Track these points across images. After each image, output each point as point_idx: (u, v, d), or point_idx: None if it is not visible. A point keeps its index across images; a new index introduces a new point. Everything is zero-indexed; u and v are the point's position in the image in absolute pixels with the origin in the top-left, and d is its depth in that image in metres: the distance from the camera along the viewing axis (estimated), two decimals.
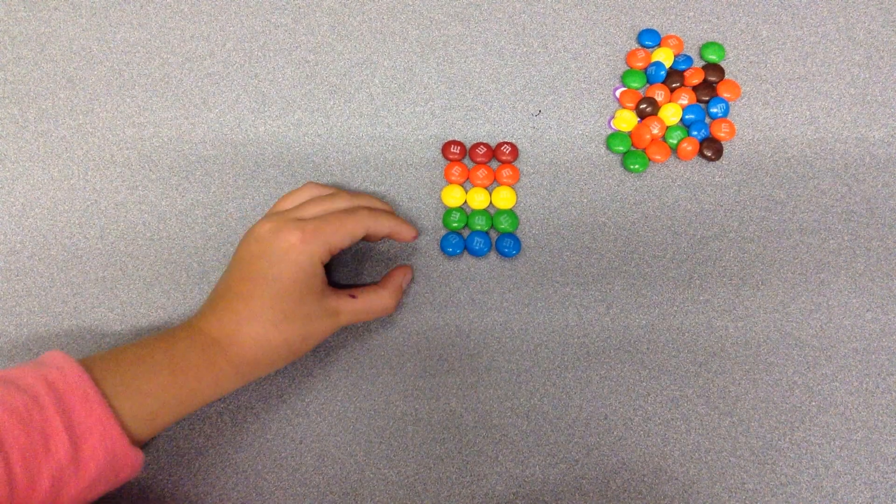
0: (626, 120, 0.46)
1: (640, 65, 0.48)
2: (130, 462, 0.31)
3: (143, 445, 0.33)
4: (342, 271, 0.43)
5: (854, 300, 0.43)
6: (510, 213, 0.44)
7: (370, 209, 0.38)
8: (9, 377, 0.30)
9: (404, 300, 0.42)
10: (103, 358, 0.32)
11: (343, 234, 0.36)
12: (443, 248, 0.43)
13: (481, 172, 0.44)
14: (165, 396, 0.32)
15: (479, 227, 0.43)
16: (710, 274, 0.43)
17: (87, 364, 0.31)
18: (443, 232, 0.44)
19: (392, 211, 0.41)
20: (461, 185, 0.45)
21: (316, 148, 0.46)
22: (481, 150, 0.45)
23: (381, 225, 0.38)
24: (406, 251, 0.43)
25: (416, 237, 0.40)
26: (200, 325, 0.35)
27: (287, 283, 0.34)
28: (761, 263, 0.43)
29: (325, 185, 0.40)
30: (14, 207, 0.44)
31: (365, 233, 0.37)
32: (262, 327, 0.34)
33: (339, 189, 0.40)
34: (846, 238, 0.44)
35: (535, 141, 0.46)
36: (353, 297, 0.38)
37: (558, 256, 0.43)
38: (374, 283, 0.41)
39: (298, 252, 0.35)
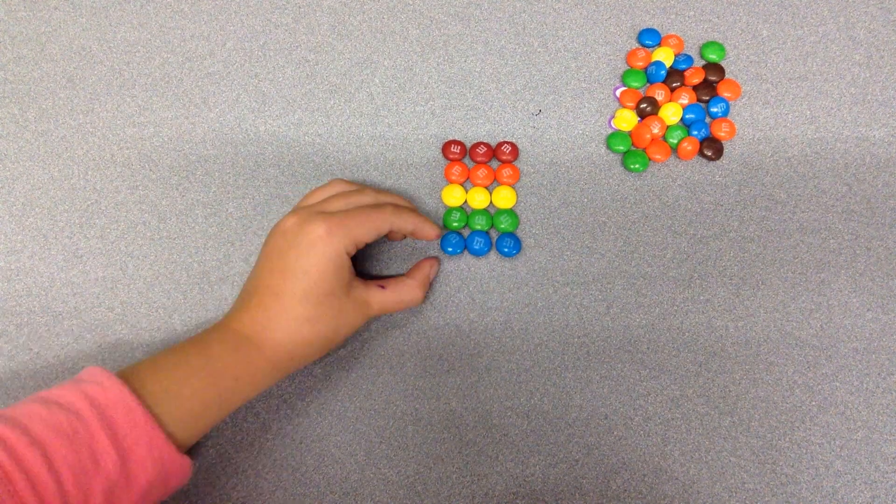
0: (627, 119, 0.46)
1: (641, 64, 0.48)
2: (179, 468, 0.31)
3: (189, 451, 0.33)
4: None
5: (854, 300, 0.43)
6: (510, 212, 0.44)
7: (395, 206, 0.38)
8: (49, 397, 0.29)
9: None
10: (139, 368, 0.32)
11: (368, 227, 0.36)
12: (443, 248, 0.43)
13: (481, 172, 0.44)
14: (205, 398, 0.32)
15: (479, 227, 0.43)
16: (711, 274, 0.43)
17: (125, 375, 0.31)
18: (442, 231, 0.44)
19: (416, 209, 0.41)
20: (461, 184, 0.45)
21: (316, 147, 0.46)
22: (481, 150, 0.45)
23: (405, 222, 0.38)
24: (405, 250, 0.43)
25: (439, 236, 0.40)
26: (233, 324, 0.35)
27: (316, 275, 0.35)
28: (761, 263, 0.43)
29: (351, 182, 0.41)
30: (14, 207, 0.44)
31: (389, 228, 0.37)
32: (295, 322, 0.35)
33: (364, 185, 0.41)
34: (846, 238, 0.44)
35: (535, 140, 0.46)
36: (383, 287, 0.38)
37: (558, 256, 0.43)
38: (402, 275, 0.41)
39: (325, 244, 0.35)
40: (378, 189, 0.41)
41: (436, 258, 0.42)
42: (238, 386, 0.34)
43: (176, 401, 0.31)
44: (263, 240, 0.38)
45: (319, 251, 0.35)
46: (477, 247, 0.42)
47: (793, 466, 0.39)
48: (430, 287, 0.42)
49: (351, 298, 0.36)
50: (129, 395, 0.30)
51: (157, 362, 0.33)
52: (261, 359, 0.34)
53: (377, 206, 0.38)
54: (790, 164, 0.46)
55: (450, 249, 0.43)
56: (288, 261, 0.35)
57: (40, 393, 0.30)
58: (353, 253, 0.36)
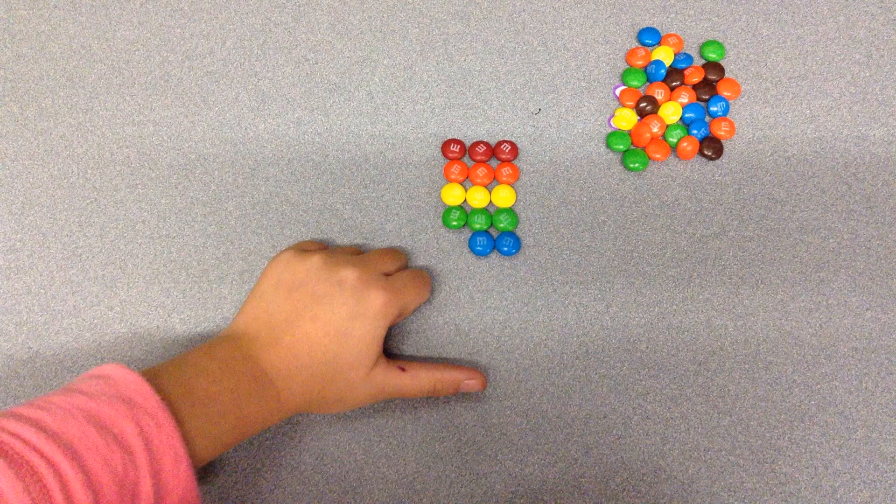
0: (626, 118, 0.46)
1: (640, 63, 0.48)
2: None
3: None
4: None
5: (854, 300, 0.42)
6: (510, 211, 0.44)
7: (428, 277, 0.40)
8: (103, 422, 0.27)
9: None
10: (178, 394, 0.30)
11: (418, 302, 0.37)
12: (471, 248, 0.43)
13: (481, 171, 0.44)
14: (228, 441, 0.32)
15: (478, 226, 0.43)
16: (710, 273, 0.43)
17: (166, 399, 0.29)
18: (442, 231, 0.44)
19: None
20: (461, 183, 0.45)
21: (316, 146, 0.46)
22: (481, 149, 0.45)
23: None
24: (405, 250, 0.43)
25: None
26: (260, 355, 0.34)
27: (354, 343, 0.34)
28: (761, 263, 0.43)
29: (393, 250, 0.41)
30: (14, 206, 0.44)
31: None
32: (311, 379, 0.34)
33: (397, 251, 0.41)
34: (846, 237, 0.44)
35: (534, 139, 0.46)
36: (403, 370, 0.37)
37: (558, 255, 0.43)
38: (429, 362, 0.39)
39: (385, 317, 0.34)
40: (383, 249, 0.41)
41: (481, 377, 0.39)
42: (254, 428, 0.33)
43: (207, 441, 0.31)
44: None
45: (370, 320, 0.34)
46: (479, 247, 0.42)
47: (792, 466, 0.39)
48: (453, 391, 0.39)
49: (368, 378, 0.35)
50: (179, 441, 0.28)
51: (193, 394, 0.31)
52: (276, 403, 0.33)
53: (424, 277, 0.38)
54: (790, 164, 0.46)
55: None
56: (337, 316, 0.34)
57: (90, 405, 0.28)
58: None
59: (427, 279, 0.40)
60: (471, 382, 0.38)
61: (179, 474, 0.28)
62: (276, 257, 0.38)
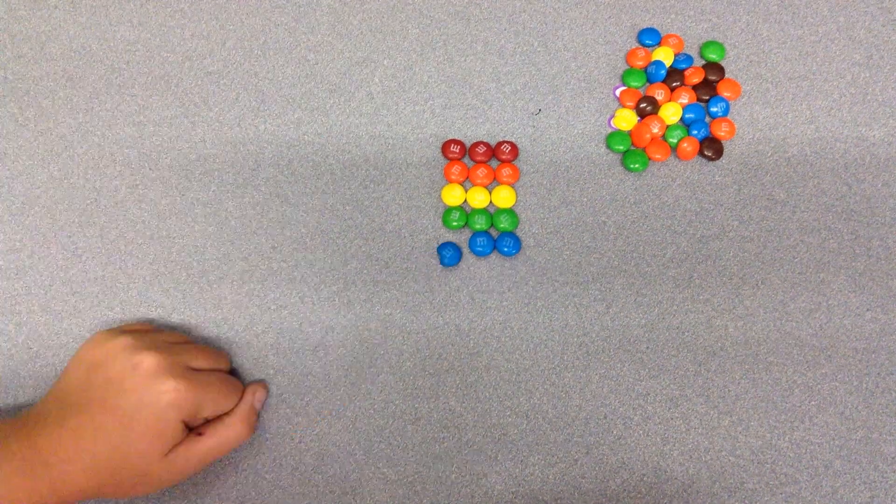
0: (627, 119, 0.46)
1: (641, 64, 0.48)
2: None
3: None
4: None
5: (854, 300, 0.42)
6: (510, 212, 0.44)
7: (252, 391, 0.38)
8: None
9: (404, 300, 0.42)
10: None
11: (218, 406, 0.35)
12: (441, 262, 0.42)
13: (481, 171, 0.44)
14: None
15: (478, 227, 0.43)
16: (710, 273, 0.43)
17: None
18: (442, 231, 0.44)
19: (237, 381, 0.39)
20: (461, 183, 0.45)
21: (315, 147, 0.46)
22: (481, 149, 0.45)
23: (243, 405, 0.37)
24: (405, 250, 0.43)
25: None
26: (41, 435, 0.32)
27: (140, 433, 0.32)
28: (761, 263, 0.43)
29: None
30: (14, 206, 0.44)
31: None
32: (95, 465, 0.32)
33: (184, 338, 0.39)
34: (846, 238, 0.44)
35: (535, 140, 0.46)
36: (201, 434, 0.35)
37: (558, 256, 0.43)
38: (223, 414, 0.37)
39: (170, 406, 0.33)
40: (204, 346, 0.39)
41: (261, 383, 0.40)
42: None
43: None
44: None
45: (169, 415, 0.33)
46: (479, 248, 0.42)
47: (792, 466, 0.39)
48: (257, 415, 0.38)
49: (169, 461, 0.33)
50: None
51: None
52: (51, 490, 0.31)
53: (233, 385, 0.37)
54: (790, 164, 0.46)
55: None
56: (127, 404, 0.32)
57: None
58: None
59: (236, 388, 0.37)
60: (259, 394, 0.39)
61: None
62: (93, 335, 0.36)
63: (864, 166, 0.46)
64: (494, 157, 0.45)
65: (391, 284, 0.42)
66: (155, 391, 0.33)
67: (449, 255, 0.42)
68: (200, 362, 0.36)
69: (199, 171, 0.45)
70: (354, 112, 0.47)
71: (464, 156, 0.45)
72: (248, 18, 0.49)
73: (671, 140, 0.46)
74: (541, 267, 0.43)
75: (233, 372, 0.40)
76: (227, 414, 0.37)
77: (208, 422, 0.36)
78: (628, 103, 0.47)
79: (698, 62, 0.49)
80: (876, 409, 0.40)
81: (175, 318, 0.42)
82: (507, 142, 0.45)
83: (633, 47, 0.49)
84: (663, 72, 0.47)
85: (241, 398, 0.38)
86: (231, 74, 0.48)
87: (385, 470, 0.39)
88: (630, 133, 0.46)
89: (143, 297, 0.42)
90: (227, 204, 0.44)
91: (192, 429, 0.35)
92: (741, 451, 0.39)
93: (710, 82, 0.47)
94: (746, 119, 0.47)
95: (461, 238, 0.44)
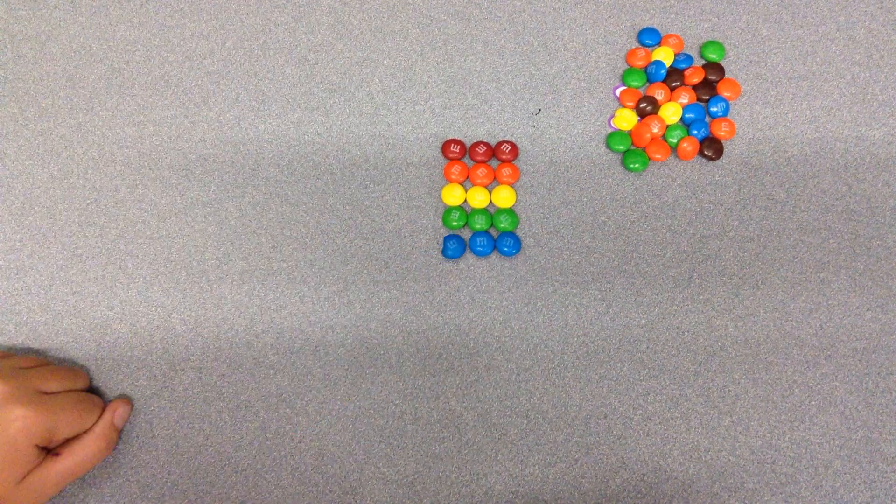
0: (627, 119, 0.46)
1: (641, 63, 0.48)
2: None
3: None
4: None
5: (854, 300, 0.42)
6: (510, 212, 0.44)
7: (113, 408, 0.38)
8: None
9: (404, 300, 0.42)
10: None
11: (74, 428, 0.35)
12: (443, 252, 0.43)
13: (481, 171, 0.44)
14: None
15: (478, 227, 0.43)
16: (710, 273, 0.43)
17: None
18: (443, 231, 0.44)
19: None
20: (461, 183, 0.45)
21: (316, 147, 0.46)
22: (481, 149, 0.45)
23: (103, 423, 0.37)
24: (405, 250, 0.43)
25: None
26: None
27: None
28: (761, 263, 0.43)
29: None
30: (14, 206, 0.44)
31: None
32: None
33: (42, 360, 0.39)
34: (846, 238, 0.44)
35: (535, 140, 0.46)
36: (57, 454, 0.35)
37: (558, 256, 0.43)
38: (84, 432, 0.37)
39: (19, 434, 0.32)
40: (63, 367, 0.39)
41: (124, 399, 0.39)
42: None
43: None
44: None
45: (19, 443, 0.32)
46: (479, 248, 0.42)
47: (792, 466, 0.39)
48: (119, 433, 0.38)
49: (26, 486, 0.33)
50: None
51: None
52: None
53: (91, 403, 0.36)
54: (790, 164, 0.46)
55: (449, 253, 0.42)
56: None
57: None
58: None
59: (94, 406, 0.37)
60: (120, 411, 0.38)
61: None
62: None
63: (864, 166, 0.46)
64: (494, 156, 0.45)
65: (391, 284, 0.43)
66: (4, 420, 0.33)
67: (453, 247, 0.42)
68: (52, 384, 0.36)
69: (199, 171, 0.45)
70: (354, 112, 0.47)
71: (464, 156, 0.45)
72: (248, 18, 0.49)
73: (671, 140, 0.46)
74: (541, 267, 0.43)
75: (93, 390, 0.40)
76: (85, 432, 0.36)
77: (68, 441, 0.36)
78: (628, 103, 0.47)
79: (698, 62, 0.49)
80: (876, 409, 0.40)
81: (175, 318, 0.42)
82: (507, 142, 0.45)
83: (633, 47, 0.49)
84: (663, 72, 0.47)
85: (100, 416, 0.37)
86: (231, 74, 0.48)
87: (385, 470, 0.39)
88: (630, 133, 0.46)
89: (143, 297, 0.42)
90: (227, 204, 0.44)
91: (51, 450, 0.35)
92: (741, 451, 0.39)
93: (710, 82, 0.47)
94: (746, 119, 0.47)
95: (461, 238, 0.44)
